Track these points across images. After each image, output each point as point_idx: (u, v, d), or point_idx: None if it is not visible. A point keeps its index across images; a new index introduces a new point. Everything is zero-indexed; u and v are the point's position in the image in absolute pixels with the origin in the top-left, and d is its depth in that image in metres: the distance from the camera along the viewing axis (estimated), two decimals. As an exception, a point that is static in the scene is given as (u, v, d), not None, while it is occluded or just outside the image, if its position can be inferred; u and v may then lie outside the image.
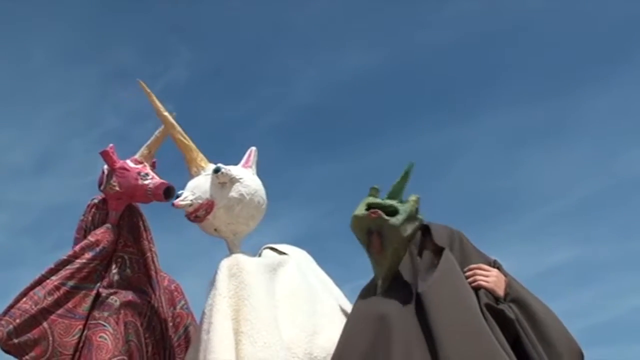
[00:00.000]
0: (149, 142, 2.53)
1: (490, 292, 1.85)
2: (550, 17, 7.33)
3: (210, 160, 2.35)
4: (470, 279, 1.88)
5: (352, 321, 1.95)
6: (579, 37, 7.45)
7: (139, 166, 2.46)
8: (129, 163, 2.48)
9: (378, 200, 1.99)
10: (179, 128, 2.36)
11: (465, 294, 1.81)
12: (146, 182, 2.40)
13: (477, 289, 1.85)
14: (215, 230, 2.28)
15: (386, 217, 1.91)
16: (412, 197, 1.97)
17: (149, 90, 2.40)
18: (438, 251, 1.95)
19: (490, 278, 1.87)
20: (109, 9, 7.17)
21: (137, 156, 2.52)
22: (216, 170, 2.23)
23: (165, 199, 2.36)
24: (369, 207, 1.96)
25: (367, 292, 2.00)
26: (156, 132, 2.52)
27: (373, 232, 1.95)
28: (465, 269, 1.91)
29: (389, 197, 1.99)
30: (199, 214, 2.22)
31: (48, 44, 7.21)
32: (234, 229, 2.28)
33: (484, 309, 1.78)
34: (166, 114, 2.38)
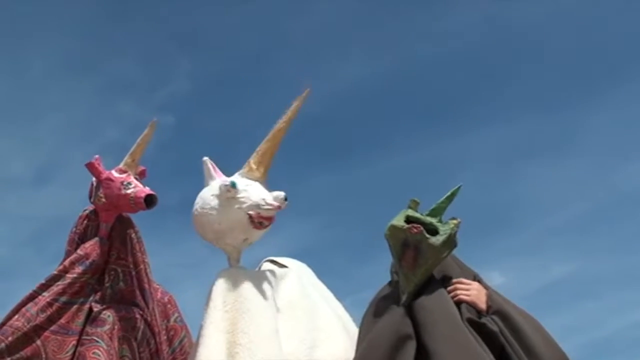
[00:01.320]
0: (131, 150, 2.51)
1: (471, 305, 1.83)
2: (551, 31, 7.24)
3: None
4: (452, 294, 1.86)
5: (375, 333, 1.87)
6: (580, 51, 7.32)
7: (123, 175, 2.43)
8: (114, 173, 2.45)
9: (418, 215, 1.92)
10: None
11: (449, 307, 1.80)
12: (128, 191, 2.38)
13: (458, 304, 1.83)
14: (245, 240, 2.15)
15: (427, 236, 1.85)
16: (454, 220, 1.90)
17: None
18: None
19: (471, 292, 1.86)
20: (109, 19, 7.16)
21: (121, 165, 2.48)
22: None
23: (146, 207, 2.34)
24: (409, 220, 1.90)
25: (389, 301, 1.94)
26: (138, 140, 2.50)
27: (409, 246, 1.88)
28: (446, 284, 1.89)
29: (430, 215, 1.93)
30: (269, 223, 2.10)
31: (47, 54, 7.22)
32: (251, 243, 2.19)
33: (466, 323, 1.76)
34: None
